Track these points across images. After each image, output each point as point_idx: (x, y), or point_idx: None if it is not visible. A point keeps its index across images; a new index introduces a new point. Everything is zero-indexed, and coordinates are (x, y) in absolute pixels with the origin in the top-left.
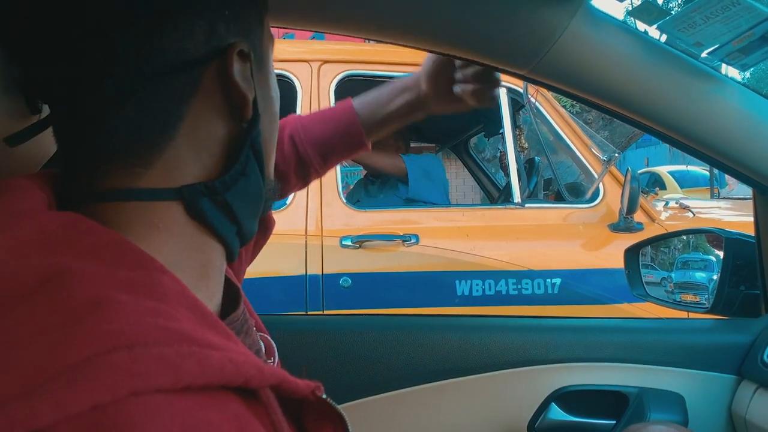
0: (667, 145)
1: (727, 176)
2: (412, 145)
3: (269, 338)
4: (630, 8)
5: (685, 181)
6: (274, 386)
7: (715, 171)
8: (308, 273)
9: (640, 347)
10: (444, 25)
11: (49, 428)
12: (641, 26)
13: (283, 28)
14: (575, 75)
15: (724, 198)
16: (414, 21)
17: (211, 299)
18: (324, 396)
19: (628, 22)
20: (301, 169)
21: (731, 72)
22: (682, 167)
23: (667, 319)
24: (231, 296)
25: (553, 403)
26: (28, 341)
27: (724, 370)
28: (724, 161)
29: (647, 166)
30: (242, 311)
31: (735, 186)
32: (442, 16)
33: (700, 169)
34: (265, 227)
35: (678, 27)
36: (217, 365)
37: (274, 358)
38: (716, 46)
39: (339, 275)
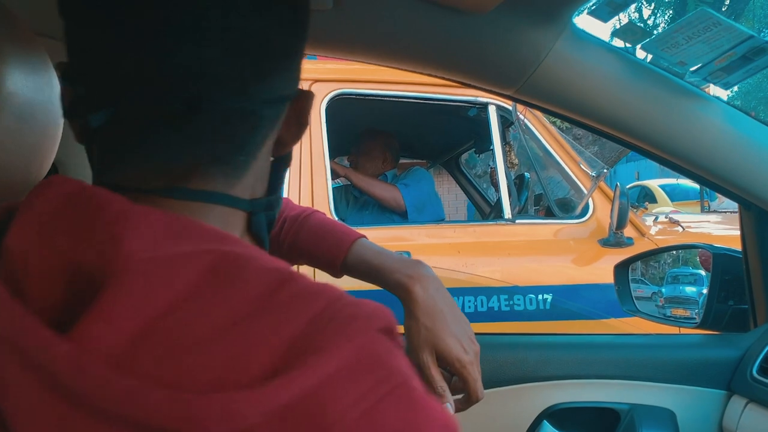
0: None
1: None
2: (405, 161)
3: None
4: (614, 29)
5: (675, 195)
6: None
7: None
8: None
9: (631, 363)
10: (432, 47)
11: (331, 376)
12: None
13: None
14: (561, 95)
15: (713, 211)
16: (403, 44)
17: None
18: None
19: (612, 43)
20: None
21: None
22: (673, 181)
23: (657, 335)
24: None
25: (545, 421)
26: (255, 314)
27: (714, 386)
28: (709, 178)
29: (638, 179)
30: None
31: (725, 200)
32: (430, 38)
33: (690, 183)
34: None
35: (661, 47)
36: (389, 312)
37: None
38: (699, 65)
39: None
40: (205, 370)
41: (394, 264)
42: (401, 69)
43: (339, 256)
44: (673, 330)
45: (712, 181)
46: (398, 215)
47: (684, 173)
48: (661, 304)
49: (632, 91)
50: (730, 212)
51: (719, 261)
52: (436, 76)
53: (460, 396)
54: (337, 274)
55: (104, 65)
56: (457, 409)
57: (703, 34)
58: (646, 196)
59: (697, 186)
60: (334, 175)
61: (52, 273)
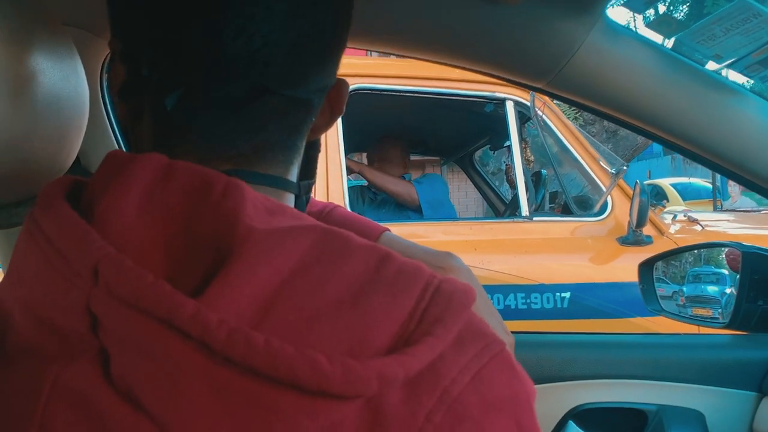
0: (669, 158)
1: (729, 189)
2: (418, 158)
3: None
4: (648, 20)
5: (687, 194)
6: None
7: (718, 183)
8: None
9: (659, 363)
10: (461, 39)
11: (449, 344)
12: (658, 38)
13: None
14: (593, 88)
15: (726, 210)
16: (431, 34)
17: None
18: None
19: (646, 35)
20: None
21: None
22: (685, 179)
23: (685, 334)
24: None
25: (570, 421)
26: (364, 290)
27: (745, 387)
28: (744, 174)
29: (649, 178)
30: None
31: (738, 198)
32: (459, 29)
33: (702, 182)
34: None
35: (697, 39)
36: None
37: None
38: (735, 58)
39: None
40: (335, 339)
41: (425, 256)
42: (428, 60)
43: None
44: (694, 330)
45: (748, 178)
46: (413, 213)
47: (718, 170)
48: (681, 302)
49: (666, 85)
50: (745, 211)
51: (749, 260)
52: (464, 69)
53: None
54: None
55: (171, 47)
56: None
57: (741, 25)
58: (658, 195)
59: (708, 185)
60: (348, 171)
61: (156, 244)
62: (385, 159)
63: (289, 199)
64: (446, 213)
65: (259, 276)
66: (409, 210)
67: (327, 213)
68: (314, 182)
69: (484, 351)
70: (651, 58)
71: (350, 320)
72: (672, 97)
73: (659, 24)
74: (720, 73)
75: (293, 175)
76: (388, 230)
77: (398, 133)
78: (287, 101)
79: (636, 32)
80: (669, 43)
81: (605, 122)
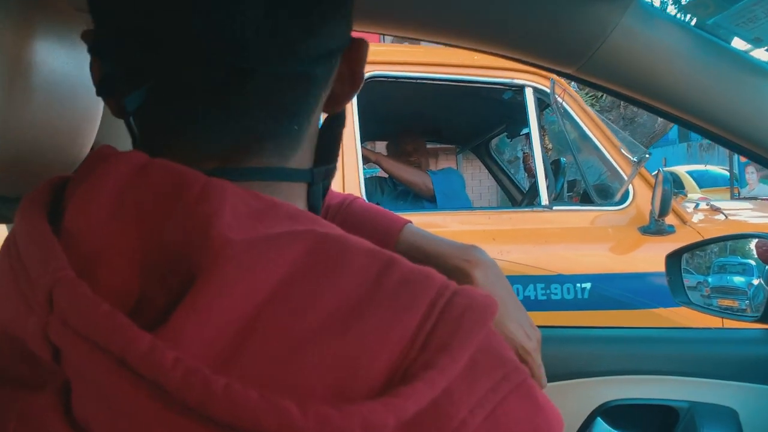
0: (685, 145)
1: (747, 176)
2: (433, 146)
3: None
4: (684, 2)
5: (703, 181)
6: None
7: (736, 171)
8: None
9: (690, 359)
10: (490, 23)
11: (457, 377)
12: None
13: None
14: (626, 73)
15: (743, 198)
16: (459, 19)
17: None
18: None
19: (683, 18)
20: None
21: None
22: (701, 167)
23: (717, 329)
24: None
25: (599, 418)
26: (360, 308)
27: None
28: None
29: (665, 165)
30: None
31: (755, 186)
32: (489, 14)
33: (719, 169)
34: None
35: (736, 22)
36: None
37: None
38: None
39: None
40: (318, 376)
41: (449, 249)
42: (456, 46)
43: (389, 244)
44: (719, 322)
45: None
46: (429, 203)
47: (757, 159)
48: (707, 293)
49: (703, 70)
50: (763, 199)
51: None
52: (493, 54)
53: None
54: None
55: (134, 34)
56: None
57: None
58: (674, 183)
59: (725, 173)
60: (365, 160)
61: (128, 255)
62: (404, 150)
63: (294, 191)
64: (461, 205)
65: (232, 300)
66: (425, 200)
67: (347, 206)
68: (334, 167)
69: (501, 383)
70: (686, 42)
71: (339, 349)
72: (708, 82)
73: (696, 6)
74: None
75: (299, 162)
76: (409, 222)
77: (416, 123)
78: (274, 80)
79: (671, 15)
80: (708, 27)
81: (622, 109)
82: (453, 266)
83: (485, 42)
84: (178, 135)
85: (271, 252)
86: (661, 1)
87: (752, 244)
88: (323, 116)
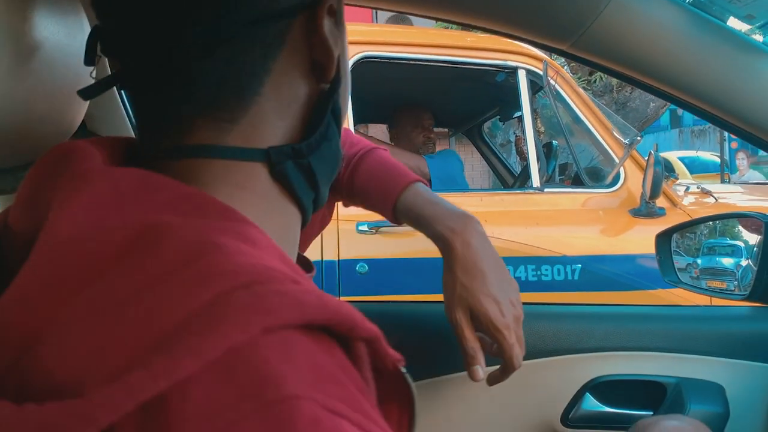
0: (677, 131)
1: (738, 162)
2: None
3: None
4: None
5: (694, 167)
6: (368, 342)
7: (726, 157)
8: (324, 259)
9: (678, 336)
10: None
11: (190, 379)
12: None
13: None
14: (619, 49)
15: (734, 184)
16: None
17: None
18: (404, 372)
19: None
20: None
21: None
22: (692, 153)
23: (705, 306)
24: (303, 264)
25: (587, 393)
26: (140, 295)
27: (766, 360)
28: None
29: (656, 151)
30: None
31: (746, 172)
32: None
33: (709, 155)
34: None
35: None
36: (334, 304)
37: None
38: None
39: (356, 261)
40: (75, 360)
41: (441, 214)
42: (449, 21)
43: (389, 201)
44: (706, 300)
45: None
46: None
47: (748, 138)
48: (696, 275)
49: (695, 47)
50: (755, 184)
51: None
52: (485, 30)
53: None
54: (393, 221)
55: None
56: (496, 379)
57: None
58: (666, 169)
59: (716, 159)
60: None
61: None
62: (423, 125)
63: (239, 171)
64: (456, 188)
65: (40, 290)
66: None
67: (360, 157)
68: (316, 141)
69: (244, 400)
70: (679, 18)
71: (96, 336)
72: (699, 58)
73: None
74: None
75: (247, 140)
76: (420, 182)
77: (415, 104)
78: (197, 50)
79: None
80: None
81: (615, 93)
82: (436, 232)
83: (478, 17)
84: (136, 116)
85: (84, 249)
86: None
87: (741, 223)
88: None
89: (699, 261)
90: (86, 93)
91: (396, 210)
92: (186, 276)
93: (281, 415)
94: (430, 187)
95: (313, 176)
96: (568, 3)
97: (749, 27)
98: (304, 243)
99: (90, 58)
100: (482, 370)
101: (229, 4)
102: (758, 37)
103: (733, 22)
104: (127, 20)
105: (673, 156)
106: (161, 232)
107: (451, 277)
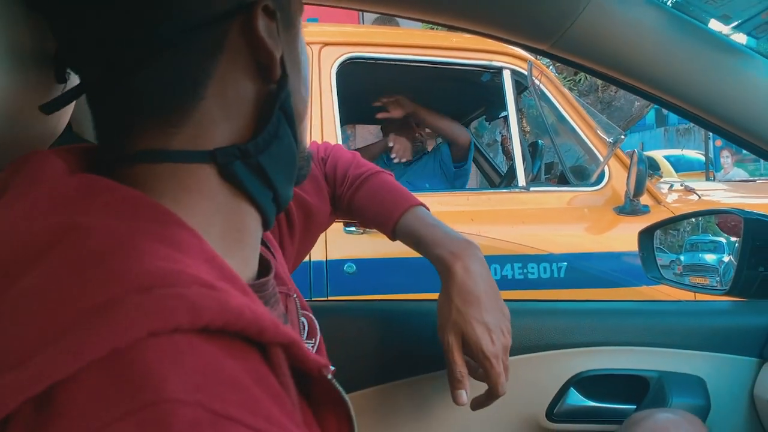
0: (662, 130)
1: (722, 160)
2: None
3: (313, 318)
4: None
5: (680, 166)
6: (285, 347)
7: (711, 155)
8: (312, 259)
9: (660, 330)
10: None
11: (69, 378)
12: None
13: (309, 4)
14: (598, 49)
15: (719, 181)
16: None
17: (247, 265)
18: (330, 378)
19: None
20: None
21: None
22: (677, 151)
23: (686, 301)
24: (263, 266)
25: (572, 388)
26: (44, 295)
27: (745, 353)
28: (751, 140)
29: (642, 150)
30: (272, 281)
31: (730, 170)
32: None
33: (695, 154)
34: (309, 213)
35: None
36: (237, 308)
37: (315, 339)
38: (744, 18)
39: (343, 261)
40: None
41: (441, 238)
42: (430, 22)
43: (390, 222)
44: (691, 297)
45: (754, 143)
46: (421, 184)
47: (723, 134)
48: (679, 271)
49: (672, 46)
50: (739, 181)
51: (750, 226)
52: (467, 30)
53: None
54: (392, 239)
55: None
56: (480, 404)
57: None
58: (651, 167)
59: (701, 157)
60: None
61: None
62: (393, 129)
63: (188, 173)
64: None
65: None
66: (432, 180)
67: (364, 179)
68: (259, 142)
69: (121, 402)
70: (657, 19)
71: None
72: (678, 58)
73: None
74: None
75: (190, 142)
76: (422, 206)
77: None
78: (129, 59)
79: None
80: (675, 4)
81: (600, 93)
82: (437, 255)
83: (459, 18)
84: (93, 125)
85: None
86: None
87: (721, 219)
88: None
89: (682, 258)
90: (48, 107)
91: (396, 231)
92: (88, 277)
93: (156, 417)
94: (464, 162)
95: (265, 175)
96: (548, 4)
97: (728, 28)
98: (286, 258)
99: (60, 75)
100: (466, 395)
101: (163, 14)
102: (740, 37)
103: (713, 24)
104: (72, 35)
105: (658, 154)
106: (79, 235)
107: (447, 301)
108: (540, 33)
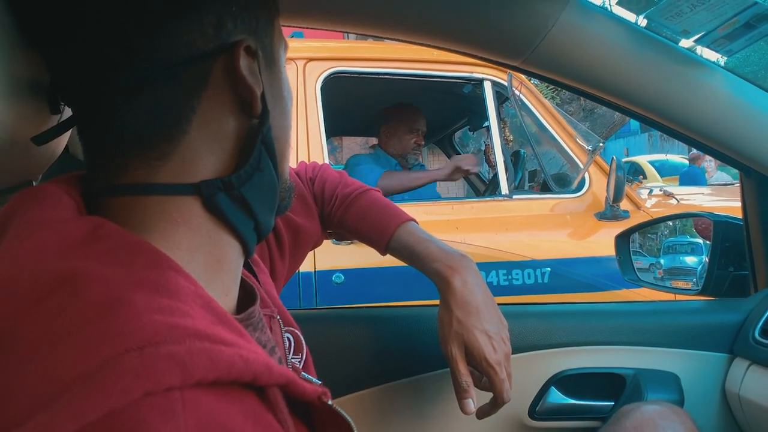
0: (646, 135)
1: (705, 164)
2: None
3: (299, 333)
4: None
5: (664, 170)
6: (281, 386)
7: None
8: (300, 270)
9: (635, 329)
10: (436, 18)
11: None
12: (629, 16)
13: (288, 26)
14: (567, 65)
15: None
16: (406, 14)
17: (227, 294)
18: (330, 403)
19: (616, 12)
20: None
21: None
22: (662, 156)
23: (661, 301)
24: (247, 293)
25: (552, 387)
26: (44, 349)
27: (717, 349)
28: (711, 145)
29: (627, 156)
30: (257, 308)
31: (714, 173)
32: (435, 9)
33: (679, 158)
34: (298, 232)
35: (665, 15)
36: (227, 360)
37: (302, 353)
38: (702, 33)
39: (332, 272)
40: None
41: (436, 253)
42: (404, 41)
43: (383, 238)
44: (671, 297)
45: (715, 148)
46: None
47: (687, 141)
48: (660, 275)
49: (636, 60)
50: (720, 185)
51: (720, 228)
52: (441, 49)
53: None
54: (383, 254)
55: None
56: (486, 413)
57: (707, 1)
58: (636, 172)
59: (685, 162)
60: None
61: None
62: (395, 132)
63: (174, 206)
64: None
65: None
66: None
67: (354, 197)
68: (242, 175)
69: None
70: (623, 35)
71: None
72: (642, 71)
73: (630, 1)
74: (694, 50)
75: (176, 176)
76: (413, 221)
77: (410, 104)
78: (121, 88)
79: (608, 10)
80: (640, 20)
81: (582, 101)
82: (435, 269)
83: (432, 37)
84: (83, 155)
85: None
86: None
87: (693, 222)
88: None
89: (662, 261)
90: (39, 139)
91: (389, 247)
92: (86, 334)
93: None
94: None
95: (247, 206)
96: (516, 23)
97: (692, 43)
98: (278, 278)
99: (54, 107)
100: (473, 404)
101: (149, 50)
102: (709, 52)
103: (673, 38)
104: (61, 69)
105: (643, 160)
106: (77, 284)
107: (447, 313)
108: (511, 51)
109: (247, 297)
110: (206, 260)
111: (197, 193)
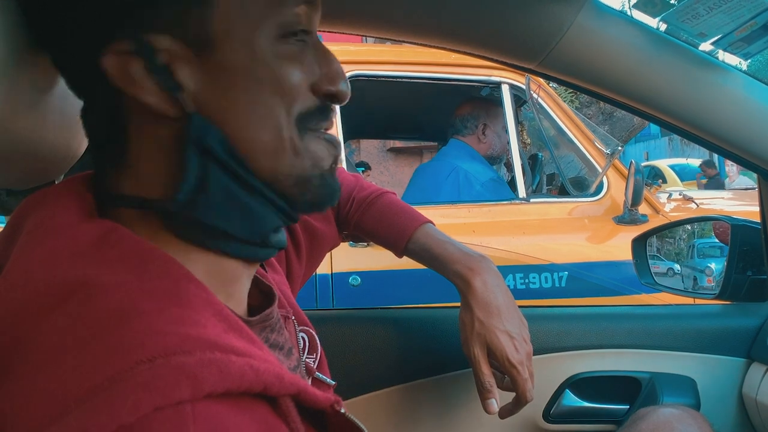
0: (666, 139)
1: (727, 168)
2: (414, 143)
3: (313, 332)
4: (634, 1)
5: (685, 174)
6: (293, 395)
7: (716, 163)
8: (317, 272)
9: (651, 333)
10: (452, 21)
11: None
12: (645, 19)
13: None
14: (582, 67)
15: (725, 190)
16: (422, 17)
17: (234, 299)
18: (343, 411)
19: (633, 15)
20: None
21: (733, 61)
22: (682, 160)
23: (677, 305)
24: (264, 294)
25: (567, 390)
26: (56, 360)
27: (734, 354)
28: (729, 149)
29: (647, 159)
30: (275, 309)
31: (735, 178)
32: (450, 12)
33: (699, 162)
34: (314, 235)
35: (681, 18)
36: (237, 372)
37: (316, 353)
38: (719, 36)
39: (348, 274)
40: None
41: (456, 254)
42: (421, 44)
43: (401, 241)
44: (688, 301)
45: (733, 152)
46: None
47: (705, 145)
48: (675, 276)
49: (653, 63)
50: (741, 189)
51: (737, 232)
52: (457, 52)
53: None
54: (400, 257)
55: None
56: (509, 412)
57: (724, 4)
58: (656, 176)
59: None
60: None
61: None
62: (493, 129)
63: (143, 220)
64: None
65: None
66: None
67: (371, 200)
68: (180, 200)
69: None
70: (638, 38)
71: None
72: (658, 75)
73: (646, 4)
74: (714, 54)
75: (136, 188)
76: (430, 223)
77: (398, 120)
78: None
79: (623, 12)
80: (655, 23)
81: (601, 104)
82: (455, 271)
83: (448, 40)
84: None
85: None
86: None
87: (714, 226)
88: None
89: (679, 264)
90: None
91: (407, 249)
92: (98, 346)
93: None
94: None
95: (213, 228)
96: (532, 26)
97: (711, 46)
98: (295, 275)
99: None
100: (497, 403)
101: (64, 59)
102: (729, 56)
103: (691, 41)
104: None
105: (663, 164)
106: (89, 293)
107: (469, 314)
108: (526, 53)
109: (264, 298)
110: (206, 270)
111: (151, 208)
